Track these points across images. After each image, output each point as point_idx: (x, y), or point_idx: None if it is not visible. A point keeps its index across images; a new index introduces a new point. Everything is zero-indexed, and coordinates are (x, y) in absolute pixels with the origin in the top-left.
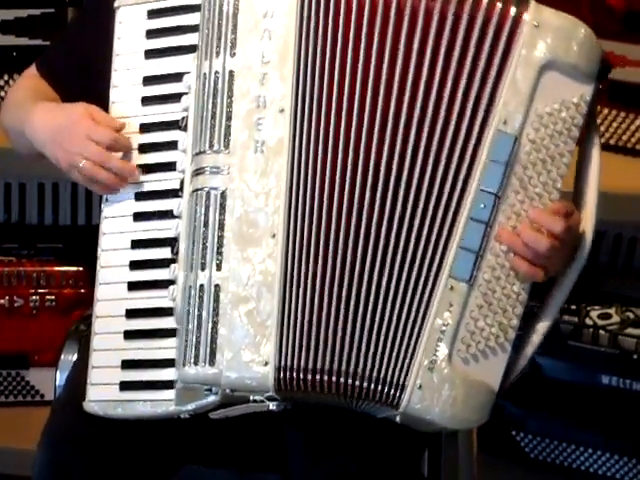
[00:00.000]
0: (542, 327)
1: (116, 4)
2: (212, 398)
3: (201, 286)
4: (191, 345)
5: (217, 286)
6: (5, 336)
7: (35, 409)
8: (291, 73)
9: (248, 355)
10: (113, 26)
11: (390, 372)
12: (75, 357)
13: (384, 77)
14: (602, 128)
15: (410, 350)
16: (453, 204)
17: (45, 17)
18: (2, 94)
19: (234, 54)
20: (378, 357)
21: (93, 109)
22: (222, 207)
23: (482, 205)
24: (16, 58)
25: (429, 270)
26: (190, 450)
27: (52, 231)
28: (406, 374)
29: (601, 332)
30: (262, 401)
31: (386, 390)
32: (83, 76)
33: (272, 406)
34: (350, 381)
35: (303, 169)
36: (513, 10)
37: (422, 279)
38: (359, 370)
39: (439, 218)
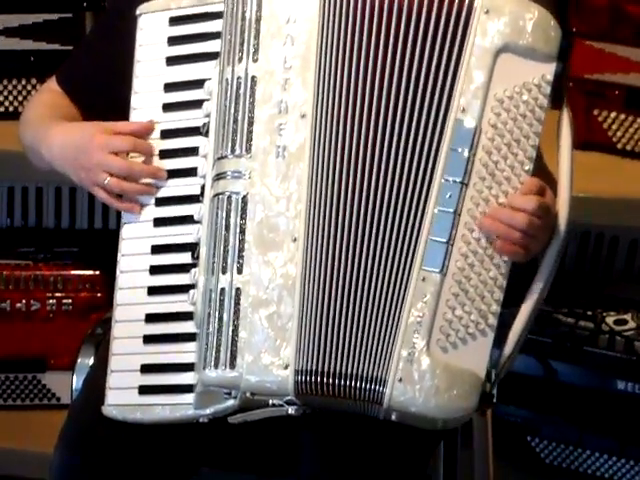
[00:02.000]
0: (524, 313)
1: (138, 12)
2: (231, 402)
3: (222, 289)
4: (212, 348)
5: (238, 289)
6: (22, 340)
7: (52, 412)
8: (313, 78)
9: (268, 358)
10: (135, 33)
11: (371, 368)
12: (92, 361)
13: (386, 82)
14: (618, 134)
15: (389, 344)
16: (421, 196)
17: (62, 22)
18: (20, 98)
19: (256, 59)
20: (362, 355)
21: (106, 123)
22: (243, 211)
23: (448, 195)
24: (33, 63)
25: (401, 264)
26: (207, 454)
27: (69, 235)
28: (386, 368)
29: (617, 338)
30: (281, 405)
31: (368, 386)
32: (105, 87)
33: (291, 410)
34: (342, 382)
35: (324, 174)
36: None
37: (395, 273)
38: (347, 370)
39: (407, 212)
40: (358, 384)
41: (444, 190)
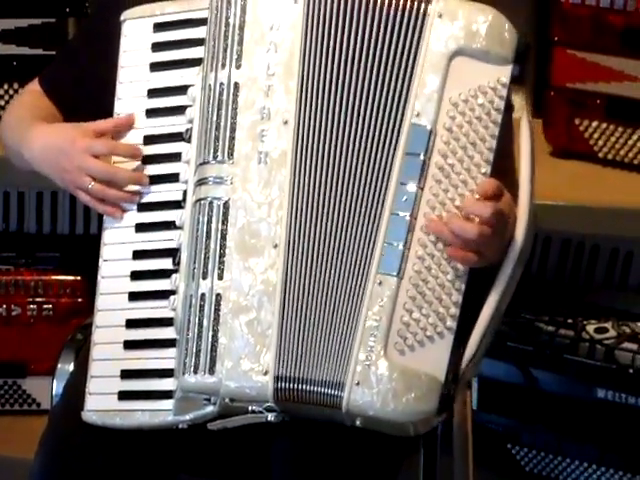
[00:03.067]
0: (483, 318)
1: (122, 17)
2: (210, 408)
3: (202, 295)
4: (191, 354)
5: (218, 295)
6: (2, 345)
7: (32, 418)
8: (296, 85)
9: (248, 364)
10: (118, 39)
11: (331, 373)
12: (72, 366)
13: (353, 89)
14: (600, 143)
15: (346, 348)
16: (379, 200)
17: (46, 27)
18: (2, 103)
19: (239, 66)
20: (324, 359)
21: (86, 124)
22: (225, 217)
23: (404, 198)
24: (16, 67)
25: (358, 267)
26: (186, 460)
27: (50, 240)
28: (344, 372)
29: (597, 346)
30: (261, 412)
31: (327, 391)
32: (88, 91)
33: (270, 417)
34: (306, 387)
35: (306, 180)
36: (417, 4)
37: (353, 277)
38: (309, 375)
39: (366, 216)
40: (319, 389)
41: (399, 194)
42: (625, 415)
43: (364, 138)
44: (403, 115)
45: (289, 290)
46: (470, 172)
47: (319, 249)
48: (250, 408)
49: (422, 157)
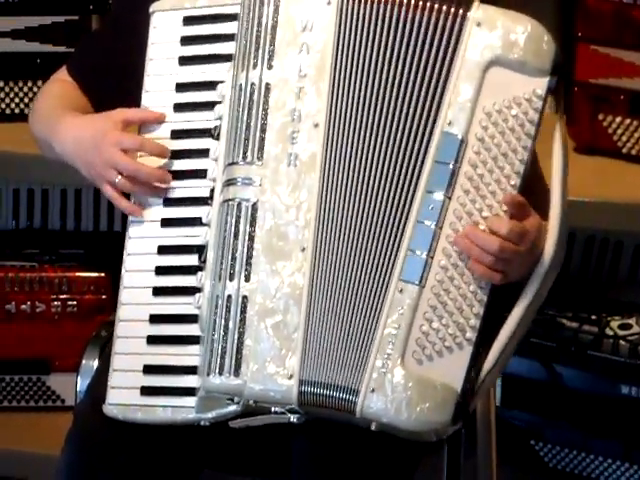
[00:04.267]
0: (503, 334)
1: (151, 9)
2: (233, 408)
3: (229, 296)
4: (216, 355)
5: (245, 297)
6: (26, 341)
7: (56, 414)
8: (327, 88)
9: (273, 368)
10: (147, 30)
11: (347, 378)
12: (96, 363)
13: (387, 94)
14: (624, 138)
15: (363, 354)
16: (402, 208)
17: (69, 24)
18: (26, 100)
19: (271, 66)
20: (341, 365)
21: (118, 114)
22: (253, 219)
23: (430, 207)
24: (40, 65)
25: (380, 274)
26: (210, 456)
27: (74, 237)
28: (360, 379)
29: (621, 342)
30: (283, 413)
31: (342, 396)
32: (115, 77)
33: (293, 418)
34: (323, 392)
35: (335, 184)
36: (456, 11)
37: (373, 284)
38: (328, 379)
39: (390, 222)
40: (336, 394)
41: (426, 202)
42: None
43: (394, 144)
44: (435, 123)
45: (315, 294)
46: (500, 183)
47: (345, 254)
48: (273, 409)
49: (451, 166)
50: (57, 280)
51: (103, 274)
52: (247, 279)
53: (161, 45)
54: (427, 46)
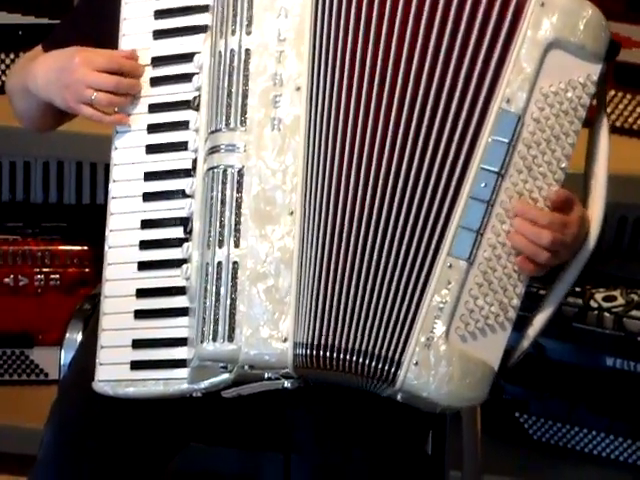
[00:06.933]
0: (546, 310)
1: None
2: (226, 376)
3: (219, 263)
4: (209, 322)
5: (235, 263)
6: (9, 315)
7: (40, 388)
8: (307, 51)
9: (267, 331)
10: (119, 6)
11: (386, 348)
12: (80, 336)
13: (394, 56)
14: (608, 110)
15: (407, 327)
16: (454, 183)
17: None
18: (8, 73)
19: (250, 32)
20: (374, 333)
21: (90, 49)
22: (239, 185)
23: (483, 184)
24: (22, 37)
25: (428, 248)
26: (198, 428)
27: (56, 210)
28: (402, 351)
29: (606, 314)
30: (277, 378)
31: (382, 366)
32: None
33: (287, 384)
34: (350, 357)
35: (320, 146)
36: None
37: (420, 257)
38: (357, 346)
39: (439, 197)
40: (367, 361)
41: (480, 179)
42: (634, 383)
43: (428, 113)
44: (490, 98)
45: (307, 257)
46: (550, 165)
47: (344, 218)
48: (266, 375)
49: (507, 144)
50: (40, 253)
51: (86, 247)
52: (237, 245)
53: (134, 20)
54: (476, 22)
